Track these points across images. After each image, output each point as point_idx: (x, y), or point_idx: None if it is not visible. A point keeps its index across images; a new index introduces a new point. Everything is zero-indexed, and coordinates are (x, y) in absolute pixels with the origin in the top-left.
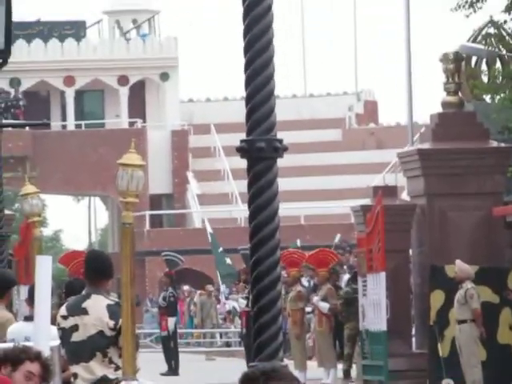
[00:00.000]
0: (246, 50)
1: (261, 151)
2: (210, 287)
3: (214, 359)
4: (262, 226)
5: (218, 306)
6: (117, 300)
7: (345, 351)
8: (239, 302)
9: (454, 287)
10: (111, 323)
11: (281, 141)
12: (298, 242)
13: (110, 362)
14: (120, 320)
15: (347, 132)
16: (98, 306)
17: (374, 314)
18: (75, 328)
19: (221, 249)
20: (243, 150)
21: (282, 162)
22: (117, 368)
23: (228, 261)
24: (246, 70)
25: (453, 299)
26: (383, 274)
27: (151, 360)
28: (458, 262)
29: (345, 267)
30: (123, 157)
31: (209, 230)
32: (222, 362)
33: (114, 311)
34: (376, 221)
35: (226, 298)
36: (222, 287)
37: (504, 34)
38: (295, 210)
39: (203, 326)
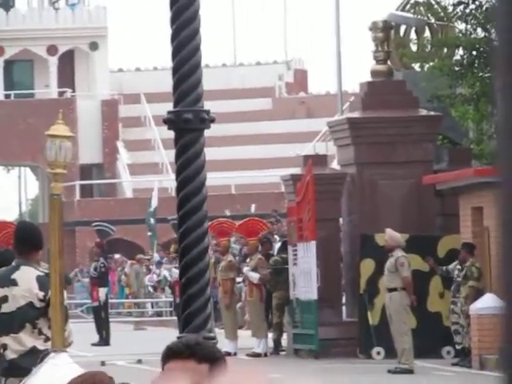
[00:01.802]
0: (173, 21)
1: (188, 122)
2: (141, 256)
3: (144, 329)
4: (189, 197)
5: (148, 276)
6: (46, 271)
7: (273, 320)
8: (172, 272)
9: (384, 256)
10: (41, 294)
11: (208, 112)
12: (253, 208)
13: (40, 333)
14: (49, 291)
15: (277, 101)
16: (27, 277)
17: (305, 282)
18: (4, 299)
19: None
20: (170, 122)
21: (212, 132)
22: (46, 339)
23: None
24: (172, 41)
25: (383, 268)
26: (313, 243)
27: (82, 330)
28: (388, 230)
29: (275, 236)
30: (51, 128)
31: (154, 203)
32: (153, 331)
33: (43, 282)
34: (306, 190)
35: (158, 268)
36: (155, 256)
37: (432, 2)
38: (225, 179)
39: (135, 295)
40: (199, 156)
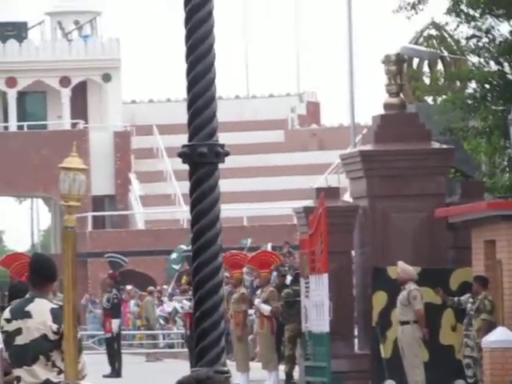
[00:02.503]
0: (188, 55)
1: (202, 156)
2: (152, 289)
3: (154, 360)
4: (204, 231)
5: (160, 308)
6: (60, 303)
7: (285, 353)
8: (183, 304)
9: (396, 288)
10: (54, 327)
11: (222, 146)
12: (249, 242)
13: (53, 365)
14: (63, 324)
15: (289, 133)
16: (41, 309)
17: (317, 315)
18: (19, 331)
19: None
20: (185, 155)
21: (225, 164)
22: (60, 372)
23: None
24: (187, 75)
25: (395, 300)
26: (326, 276)
27: (94, 362)
28: (400, 263)
29: (286, 269)
30: (65, 160)
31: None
32: (164, 363)
33: (57, 315)
34: (318, 222)
35: (170, 300)
36: (167, 288)
37: (445, 35)
38: (238, 211)
39: (146, 327)
40: (214, 190)
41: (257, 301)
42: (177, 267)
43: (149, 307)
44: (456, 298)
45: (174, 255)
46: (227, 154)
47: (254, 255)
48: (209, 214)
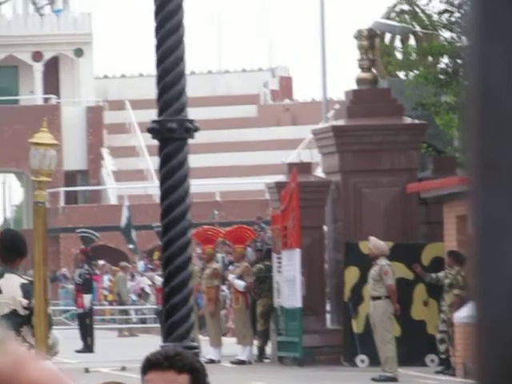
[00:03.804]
0: (157, 31)
1: (172, 132)
2: (125, 264)
3: (127, 335)
4: (173, 206)
5: (133, 283)
6: (31, 279)
7: (258, 328)
8: (155, 279)
9: (368, 264)
10: (24, 302)
11: (192, 121)
12: (216, 215)
13: (24, 340)
14: (33, 299)
15: (262, 108)
16: (11, 284)
17: (289, 290)
18: None
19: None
20: (154, 131)
21: (196, 139)
22: (30, 347)
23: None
24: (156, 51)
25: (367, 276)
26: (298, 251)
27: (66, 337)
28: (371, 238)
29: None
30: (35, 136)
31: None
32: (137, 338)
33: (27, 290)
34: (291, 197)
35: (142, 275)
36: (139, 264)
37: (418, 10)
38: (210, 186)
39: (118, 302)
40: (183, 165)
41: (231, 276)
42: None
43: (120, 282)
44: (434, 275)
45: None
46: (197, 130)
47: (229, 230)
48: (178, 190)
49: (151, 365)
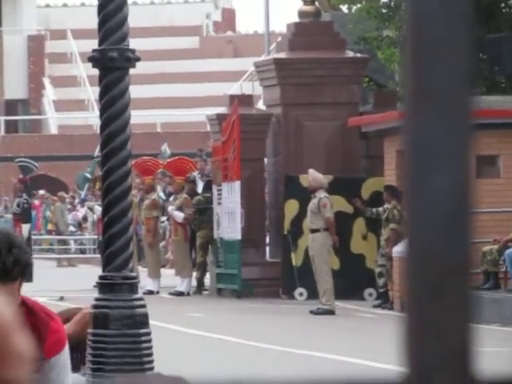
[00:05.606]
0: None
1: (112, 61)
2: (62, 194)
3: (65, 265)
4: (113, 136)
5: (72, 213)
6: None
7: (197, 260)
8: (95, 209)
9: (308, 197)
10: None
11: (133, 51)
12: (168, 151)
13: None
14: None
15: (204, 40)
16: None
17: (229, 222)
18: None
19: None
20: (95, 60)
21: (137, 69)
22: None
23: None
24: None
25: (307, 209)
26: (238, 183)
27: None
28: (311, 171)
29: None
30: None
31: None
32: (75, 268)
33: None
34: (232, 129)
35: (82, 205)
36: (80, 194)
37: None
38: (152, 117)
39: (57, 232)
40: (124, 95)
41: (170, 208)
42: (89, 176)
43: (58, 213)
44: (374, 209)
45: (88, 169)
46: (138, 59)
47: (170, 162)
48: (118, 120)
49: None
